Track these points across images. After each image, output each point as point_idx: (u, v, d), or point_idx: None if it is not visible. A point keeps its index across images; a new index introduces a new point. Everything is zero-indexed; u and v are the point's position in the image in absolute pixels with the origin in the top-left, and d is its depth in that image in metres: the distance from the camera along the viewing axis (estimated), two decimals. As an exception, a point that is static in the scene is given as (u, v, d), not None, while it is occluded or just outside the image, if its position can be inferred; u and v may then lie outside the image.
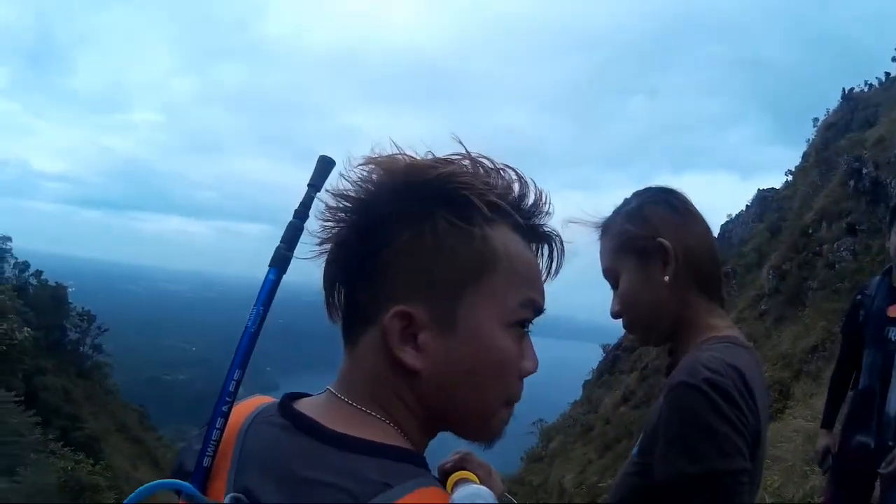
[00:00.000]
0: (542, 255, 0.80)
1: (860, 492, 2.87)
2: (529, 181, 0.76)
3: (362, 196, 0.73)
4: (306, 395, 0.79)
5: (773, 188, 39.88)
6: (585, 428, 40.19)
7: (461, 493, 0.63)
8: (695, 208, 1.39)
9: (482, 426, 0.75)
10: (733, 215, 45.26)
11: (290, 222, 0.77)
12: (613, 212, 1.44)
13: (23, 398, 23.58)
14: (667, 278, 1.31)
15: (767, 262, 31.79)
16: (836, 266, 25.11)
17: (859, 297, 3.34)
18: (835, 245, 25.13)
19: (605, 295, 1.43)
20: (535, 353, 0.77)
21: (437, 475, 0.76)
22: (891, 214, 3.45)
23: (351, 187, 0.73)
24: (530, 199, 0.77)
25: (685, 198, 1.40)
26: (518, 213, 0.75)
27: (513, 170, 0.76)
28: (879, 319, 3.12)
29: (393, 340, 0.69)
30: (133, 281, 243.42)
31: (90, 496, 15.51)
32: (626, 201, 1.43)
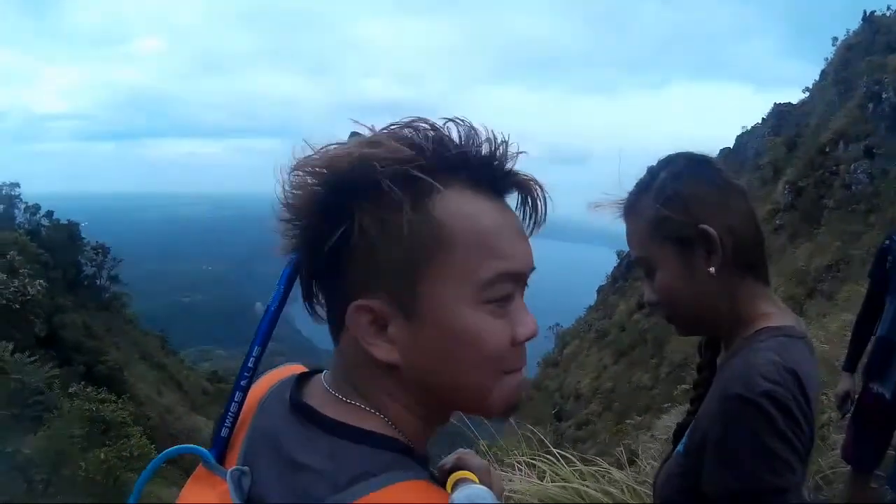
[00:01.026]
0: (519, 205, 0.73)
1: (878, 441, 2.80)
2: (481, 130, 0.69)
3: (296, 203, 0.68)
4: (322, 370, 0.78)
5: (789, 103, 40.68)
6: (601, 334, 42.96)
7: (461, 493, 0.62)
8: (733, 178, 1.22)
9: (484, 403, 0.71)
10: (748, 127, 45.60)
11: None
12: (637, 186, 1.24)
13: (44, 339, 24.07)
14: (712, 269, 1.14)
15: (783, 176, 32.25)
16: (853, 188, 26.13)
17: (888, 241, 3.14)
18: (852, 167, 26.17)
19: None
20: (528, 316, 0.71)
21: (436, 475, 0.74)
22: None
23: (290, 196, 0.69)
24: (483, 150, 0.68)
25: (720, 167, 1.22)
26: (470, 170, 0.68)
27: (460, 122, 0.68)
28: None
29: (362, 336, 0.67)
30: (147, 209, 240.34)
31: (117, 431, 16.39)
32: (652, 173, 1.22)
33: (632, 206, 1.22)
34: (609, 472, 3.09)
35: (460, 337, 0.67)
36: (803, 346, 1.12)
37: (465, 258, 0.66)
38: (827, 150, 27.99)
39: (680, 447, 1.23)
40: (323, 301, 0.73)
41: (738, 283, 1.16)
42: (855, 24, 33.65)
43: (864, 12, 32.01)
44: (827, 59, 35.45)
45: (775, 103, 42.03)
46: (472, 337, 0.67)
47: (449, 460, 0.80)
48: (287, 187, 0.67)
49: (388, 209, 0.64)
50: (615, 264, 51.47)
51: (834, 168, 26.53)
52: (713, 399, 1.11)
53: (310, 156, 0.67)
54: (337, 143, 0.68)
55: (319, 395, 0.70)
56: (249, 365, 0.72)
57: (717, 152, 43.99)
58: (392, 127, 0.68)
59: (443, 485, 0.67)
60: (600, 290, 52.12)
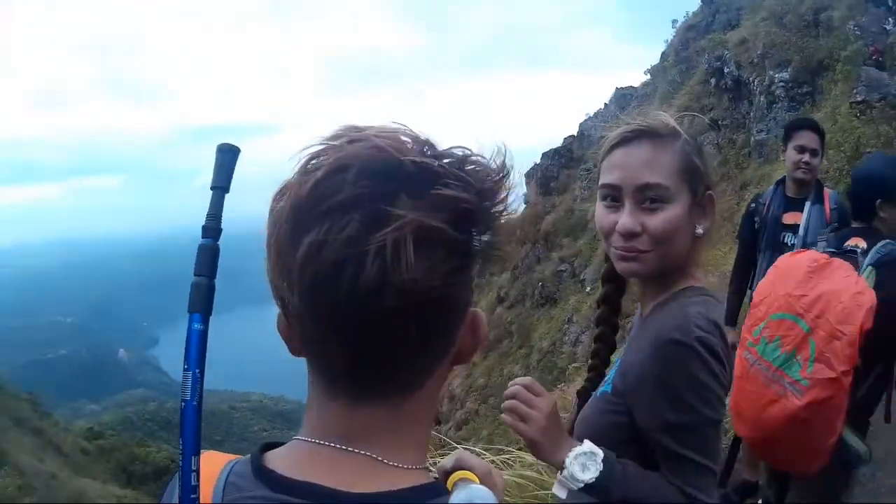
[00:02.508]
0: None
1: None
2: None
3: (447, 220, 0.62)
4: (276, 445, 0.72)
5: (631, 86, 41.66)
6: None
7: (461, 493, 0.64)
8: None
9: None
10: (591, 113, 46.79)
11: (202, 245, 0.66)
12: (660, 122, 1.34)
13: None
14: (700, 230, 1.32)
15: None
16: None
17: (753, 205, 3.71)
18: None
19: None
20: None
21: (436, 475, 0.74)
22: (785, 131, 3.72)
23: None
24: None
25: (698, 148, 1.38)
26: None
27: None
28: (775, 226, 3.49)
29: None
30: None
31: (9, 504, 14.85)
32: (670, 125, 1.34)
33: (658, 135, 1.31)
34: (521, 458, 3.25)
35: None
36: (719, 305, 1.34)
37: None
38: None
39: (607, 388, 1.40)
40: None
41: (700, 247, 1.36)
42: (695, 6, 35.03)
43: None
44: (667, 41, 36.70)
45: (617, 87, 43.10)
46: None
47: (449, 461, 0.79)
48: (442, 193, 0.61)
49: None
50: (474, 263, 51.01)
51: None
52: (645, 343, 1.28)
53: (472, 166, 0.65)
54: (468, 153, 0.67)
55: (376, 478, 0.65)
56: (193, 483, 0.62)
57: (562, 140, 45.84)
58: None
59: (443, 485, 0.69)
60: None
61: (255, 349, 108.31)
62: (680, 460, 1.22)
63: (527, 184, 45.24)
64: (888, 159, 2.89)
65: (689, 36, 32.84)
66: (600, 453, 1.24)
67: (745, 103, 23.26)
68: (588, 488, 1.23)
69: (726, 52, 24.89)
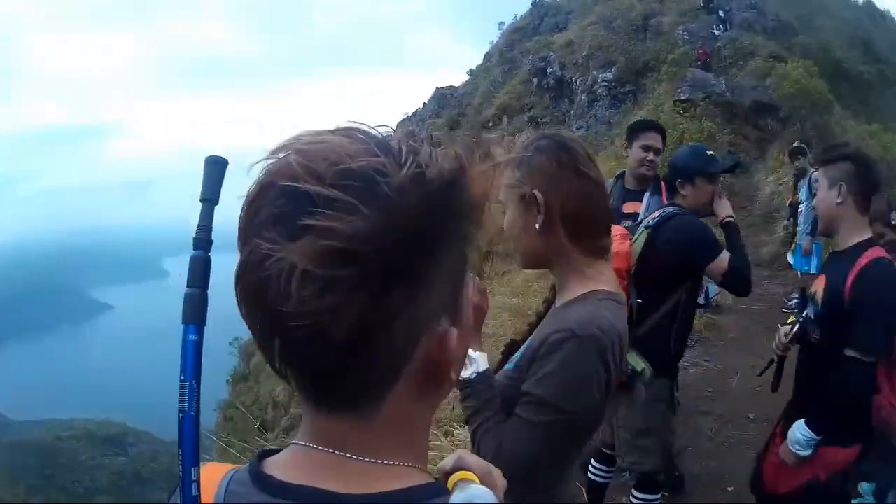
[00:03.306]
0: None
1: None
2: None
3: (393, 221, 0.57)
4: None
5: (451, 86, 40.85)
6: None
7: (461, 493, 0.64)
8: (586, 164, 1.50)
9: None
10: (410, 113, 46.04)
11: (194, 257, 0.64)
12: (519, 147, 1.56)
13: None
14: (537, 226, 1.46)
15: None
16: None
17: None
18: (515, 137, 26.65)
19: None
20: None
21: (436, 476, 0.73)
22: (630, 131, 4.01)
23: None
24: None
25: (579, 152, 1.50)
26: None
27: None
28: (616, 215, 3.53)
29: (454, 364, 0.68)
30: None
31: None
32: (527, 143, 1.54)
33: (506, 161, 1.49)
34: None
35: (470, 327, 0.72)
36: (623, 311, 1.46)
37: (468, 253, 0.66)
38: (490, 124, 28.39)
39: (511, 364, 1.56)
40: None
41: (568, 245, 1.48)
42: (524, 9, 35.15)
43: (532, 2, 33.38)
44: (492, 42, 36.25)
45: (437, 87, 42.46)
46: (471, 324, 0.73)
47: (449, 461, 0.77)
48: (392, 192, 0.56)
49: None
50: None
51: (474, 140, 26.66)
52: (549, 329, 1.40)
53: (412, 154, 0.59)
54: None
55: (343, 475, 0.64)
56: (193, 493, 0.62)
57: None
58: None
59: (443, 485, 0.68)
60: None
61: (75, 371, 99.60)
62: (515, 419, 1.38)
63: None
64: (688, 147, 3.38)
65: (515, 38, 32.83)
66: (484, 365, 1.50)
67: (567, 101, 23.27)
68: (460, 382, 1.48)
69: (552, 54, 25.07)
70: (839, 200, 2.42)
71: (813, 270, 6.80)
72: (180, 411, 0.62)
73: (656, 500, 3.13)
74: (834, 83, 15.46)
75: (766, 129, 14.49)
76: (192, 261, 0.64)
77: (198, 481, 0.61)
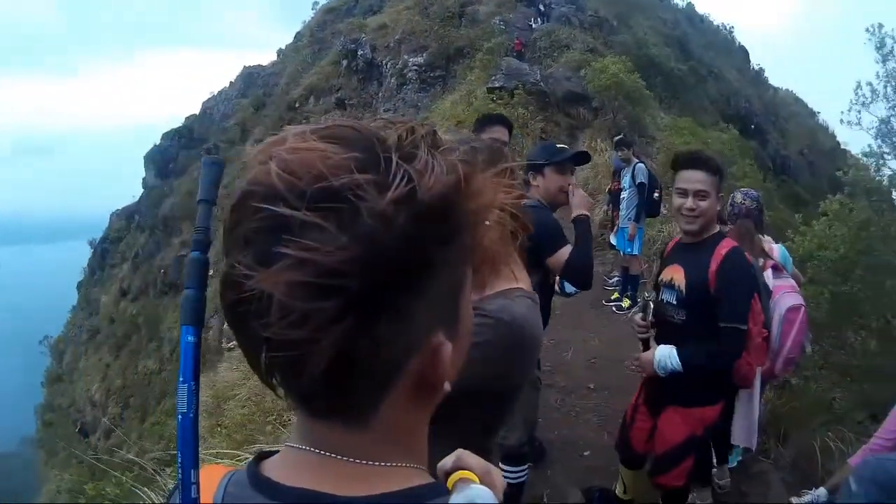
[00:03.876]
0: None
1: None
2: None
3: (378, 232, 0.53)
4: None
5: (259, 65, 38.92)
6: (92, 332, 38.07)
7: (461, 493, 0.64)
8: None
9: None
10: (216, 92, 43.07)
11: (191, 258, 0.63)
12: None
13: None
14: None
15: (251, 136, 30.70)
16: None
17: None
18: (321, 118, 25.47)
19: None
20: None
21: (436, 476, 0.73)
22: (478, 124, 3.74)
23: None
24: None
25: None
26: None
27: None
28: None
29: (444, 373, 0.64)
30: None
31: None
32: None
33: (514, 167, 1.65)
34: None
35: (469, 334, 0.69)
36: (537, 308, 1.55)
37: (469, 266, 0.64)
38: (297, 105, 27.29)
39: None
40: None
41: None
42: None
43: None
44: (304, 21, 34.35)
45: (244, 66, 40.24)
46: (471, 331, 0.70)
47: (449, 461, 0.78)
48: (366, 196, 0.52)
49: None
50: (89, 255, 45.26)
51: (303, 121, 25.16)
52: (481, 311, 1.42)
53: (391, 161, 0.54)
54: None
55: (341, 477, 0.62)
56: (193, 495, 0.61)
57: (183, 120, 41.48)
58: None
59: (443, 485, 0.69)
60: (80, 287, 45.65)
61: None
62: None
63: (145, 166, 40.41)
64: (539, 143, 4.16)
65: (328, 18, 31.61)
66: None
67: (375, 84, 22.61)
68: None
69: (363, 36, 24.43)
70: (719, 207, 2.89)
71: (636, 252, 7.40)
72: (179, 413, 0.60)
73: (524, 470, 3.15)
74: (648, 78, 15.86)
75: (578, 118, 14.52)
76: (190, 262, 0.62)
77: (197, 483, 0.60)
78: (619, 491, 3.45)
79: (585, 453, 4.27)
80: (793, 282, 3.62)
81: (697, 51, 27.48)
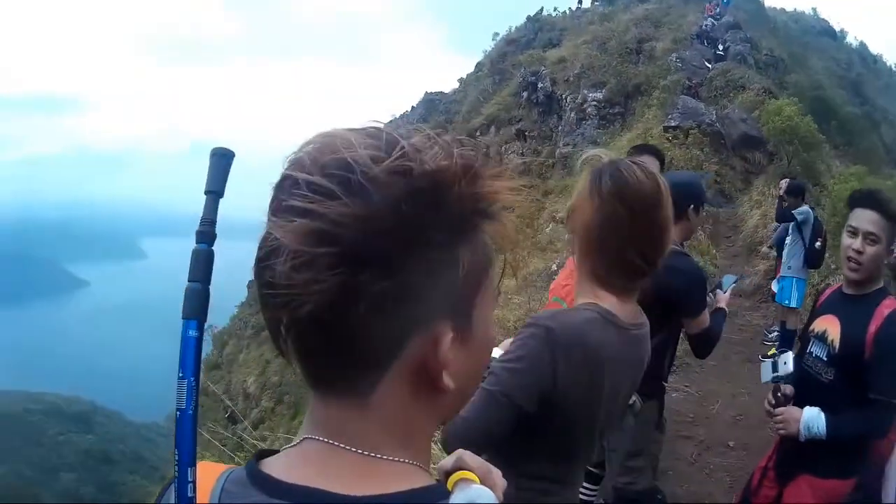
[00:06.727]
0: None
1: None
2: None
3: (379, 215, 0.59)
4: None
5: (440, 91, 40.57)
6: (257, 329, 38.51)
7: (461, 493, 0.64)
8: (616, 193, 1.48)
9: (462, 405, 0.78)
10: (398, 115, 45.72)
11: (196, 250, 0.64)
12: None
13: None
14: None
15: None
16: (504, 165, 26.91)
17: None
18: (503, 148, 26.72)
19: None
20: None
21: (437, 476, 0.74)
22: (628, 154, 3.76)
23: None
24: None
25: (621, 181, 1.48)
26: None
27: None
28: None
29: (443, 362, 0.65)
30: None
31: None
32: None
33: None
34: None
35: (488, 347, 0.73)
36: (601, 321, 1.47)
37: (493, 273, 0.68)
38: (478, 133, 28.47)
39: None
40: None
41: (581, 263, 1.62)
42: (519, 21, 35.11)
43: (528, 16, 33.62)
44: (485, 51, 36.09)
45: (426, 91, 42.15)
46: (490, 344, 0.73)
47: (449, 461, 0.79)
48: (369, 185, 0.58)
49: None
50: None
51: (485, 149, 26.31)
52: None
53: (400, 153, 0.59)
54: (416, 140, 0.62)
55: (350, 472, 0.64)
56: (189, 495, 0.61)
57: None
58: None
59: (443, 485, 0.69)
60: (250, 286, 50.11)
61: (46, 344, 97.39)
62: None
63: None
64: (683, 177, 3.40)
65: (509, 50, 32.56)
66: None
67: (555, 118, 23.22)
68: None
69: (543, 69, 25.01)
70: (889, 259, 2.64)
71: (794, 304, 6.90)
72: (178, 409, 0.60)
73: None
74: (822, 122, 15.62)
75: (753, 162, 14.64)
76: (195, 254, 0.64)
77: (194, 482, 0.60)
78: None
79: (708, 514, 4.13)
80: None
81: (872, 93, 26.31)
